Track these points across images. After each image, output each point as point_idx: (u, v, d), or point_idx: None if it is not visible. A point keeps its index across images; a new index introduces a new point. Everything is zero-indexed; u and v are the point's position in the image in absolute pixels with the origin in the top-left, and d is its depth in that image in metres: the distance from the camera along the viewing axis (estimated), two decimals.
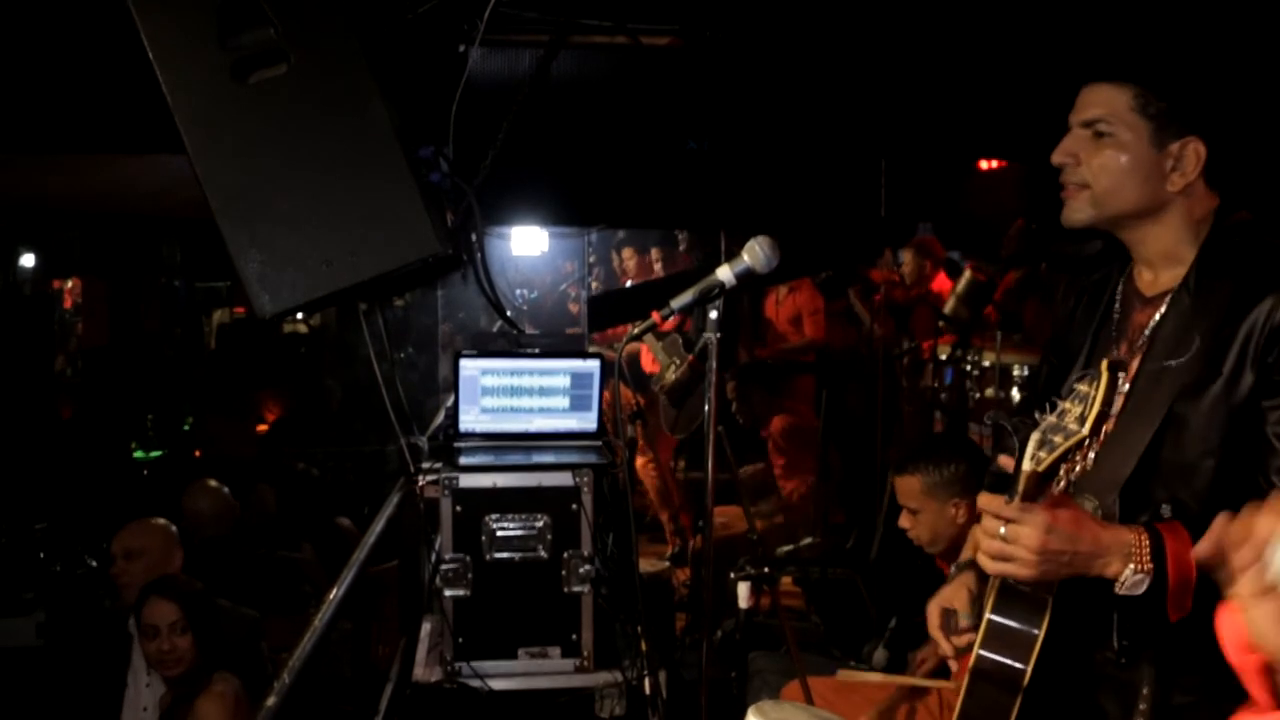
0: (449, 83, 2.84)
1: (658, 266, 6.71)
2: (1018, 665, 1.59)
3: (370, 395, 2.86)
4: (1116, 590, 1.52)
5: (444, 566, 2.77)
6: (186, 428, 7.73)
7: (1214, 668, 1.45)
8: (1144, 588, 1.50)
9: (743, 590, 3.34)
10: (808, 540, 5.13)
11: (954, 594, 1.80)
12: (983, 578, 1.74)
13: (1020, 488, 1.52)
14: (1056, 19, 3.21)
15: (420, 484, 2.94)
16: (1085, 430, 1.47)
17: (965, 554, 1.91)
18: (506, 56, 3.31)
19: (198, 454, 7.12)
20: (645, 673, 2.75)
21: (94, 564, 4.72)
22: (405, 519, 2.99)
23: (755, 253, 2.10)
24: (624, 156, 3.58)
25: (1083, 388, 1.50)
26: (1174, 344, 1.61)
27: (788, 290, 5.91)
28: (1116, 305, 1.75)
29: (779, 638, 3.25)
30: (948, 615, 1.79)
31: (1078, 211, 1.68)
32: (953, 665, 1.76)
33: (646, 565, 4.04)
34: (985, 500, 1.57)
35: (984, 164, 5.18)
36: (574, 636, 2.80)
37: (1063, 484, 1.52)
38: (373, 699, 3.01)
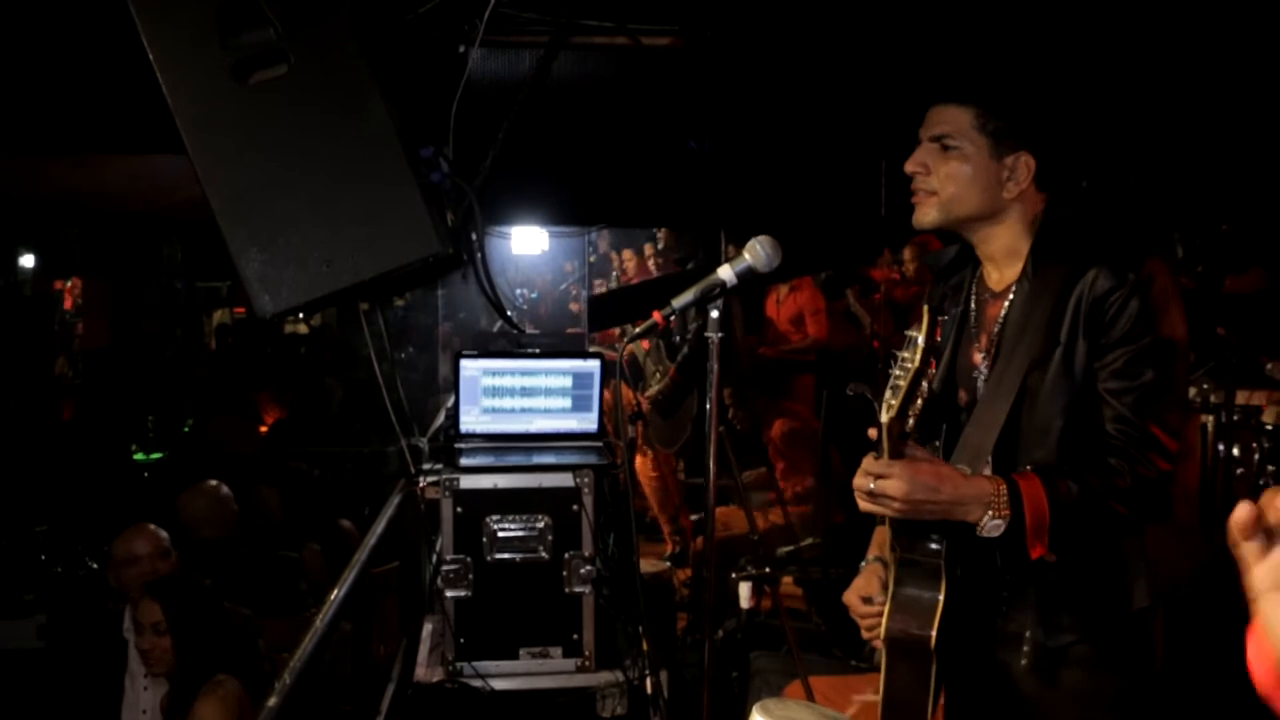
0: (449, 83, 2.84)
1: (631, 266, 6.69)
2: (924, 632, 1.74)
3: (371, 395, 2.86)
4: (978, 533, 1.70)
5: (445, 567, 2.77)
6: (187, 429, 7.73)
7: (1086, 608, 1.77)
8: (1001, 530, 1.69)
9: (744, 590, 3.35)
10: (808, 540, 5.12)
11: (866, 583, 1.96)
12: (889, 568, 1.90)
13: (885, 441, 1.68)
14: (1057, 16, 3.21)
15: (421, 485, 2.94)
16: (918, 361, 1.65)
17: (872, 551, 2.05)
18: (506, 57, 3.31)
19: (196, 455, 7.11)
20: (646, 672, 2.75)
21: (94, 566, 4.72)
22: (406, 520, 2.99)
23: (756, 252, 2.10)
24: (624, 156, 3.58)
25: (910, 333, 1.68)
26: (1021, 325, 1.82)
27: (789, 290, 5.91)
28: (972, 304, 1.97)
29: (780, 638, 3.24)
30: (865, 603, 1.94)
31: (927, 215, 1.91)
32: (877, 645, 1.87)
33: (647, 565, 4.04)
34: (865, 460, 1.74)
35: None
36: (575, 636, 2.80)
37: (912, 421, 1.69)
38: (374, 699, 3.01)
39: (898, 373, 1.68)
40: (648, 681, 2.75)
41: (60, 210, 7.68)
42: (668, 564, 4.90)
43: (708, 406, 2.15)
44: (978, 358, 1.92)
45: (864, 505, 1.75)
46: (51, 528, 5.17)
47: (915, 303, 5.92)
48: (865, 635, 1.93)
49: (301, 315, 7.50)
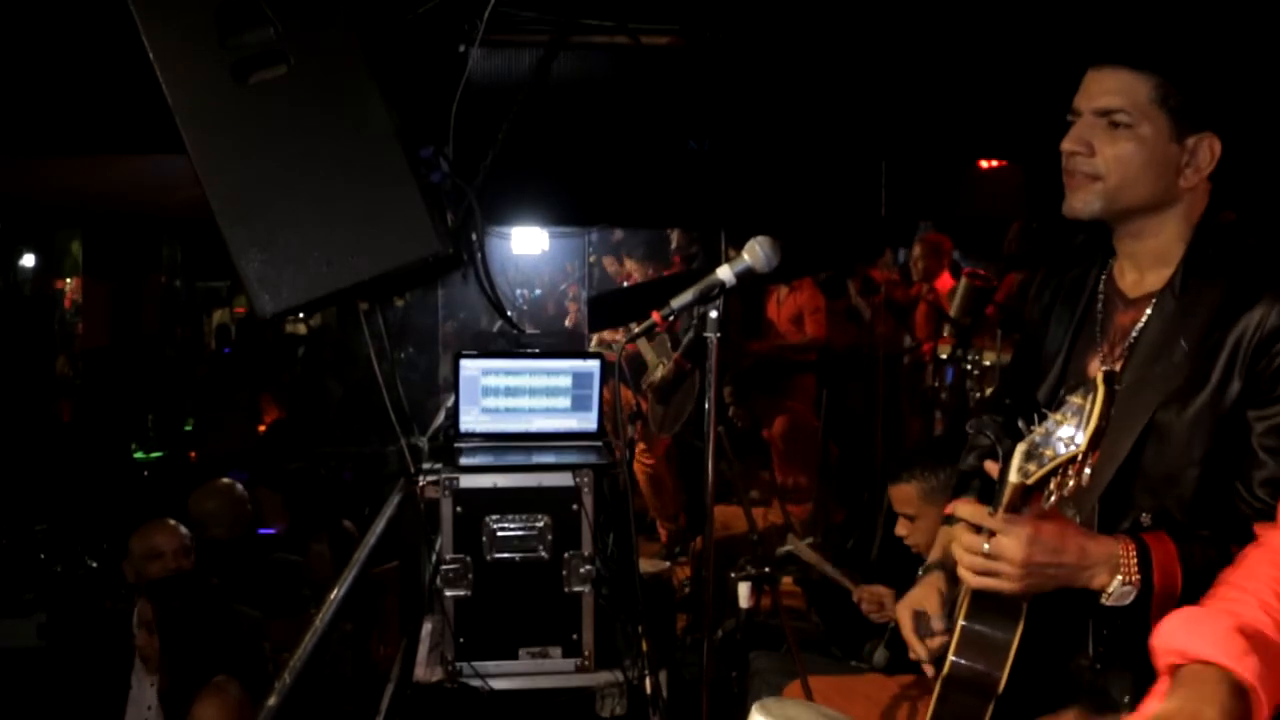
0: (449, 83, 2.85)
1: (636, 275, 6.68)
2: (992, 673, 1.55)
3: (370, 395, 2.87)
4: (1103, 601, 1.49)
5: (445, 567, 2.77)
6: (188, 428, 7.73)
7: None
8: (1131, 598, 1.47)
9: (743, 590, 3.34)
10: (808, 540, 5.12)
11: (924, 596, 1.76)
12: (953, 579, 1.70)
13: (1005, 499, 1.46)
14: (1057, 16, 3.21)
15: (421, 484, 2.94)
16: (1084, 445, 1.37)
17: (934, 555, 1.88)
18: (506, 56, 3.31)
19: (193, 455, 7.12)
20: (646, 672, 2.75)
21: (94, 565, 4.72)
22: (406, 520, 2.99)
23: (756, 252, 2.10)
24: (624, 156, 3.58)
25: (1076, 400, 1.40)
26: (1159, 349, 1.56)
27: (789, 290, 5.91)
28: (1098, 305, 1.69)
29: (779, 637, 3.24)
30: (919, 618, 1.75)
31: (1088, 204, 1.61)
32: (928, 670, 1.70)
33: (647, 565, 4.04)
34: (966, 510, 1.52)
35: (984, 164, 5.18)
36: (575, 636, 2.80)
37: (1053, 499, 1.43)
38: (374, 699, 3.01)
39: (1041, 433, 1.41)
40: (647, 681, 2.75)
41: (60, 210, 7.69)
42: (667, 564, 4.90)
43: (706, 406, 2.15)
44: (1096, 368, 1.66)
45: (972, 577, 1.50)
46: (51, 527, 5.17)
47: (915, 304, 5.95)
48: (922, 660, 1.72)
49: (302, 315, 7.50)
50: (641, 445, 5.70)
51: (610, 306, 5.44)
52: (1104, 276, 1.70)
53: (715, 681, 2.29)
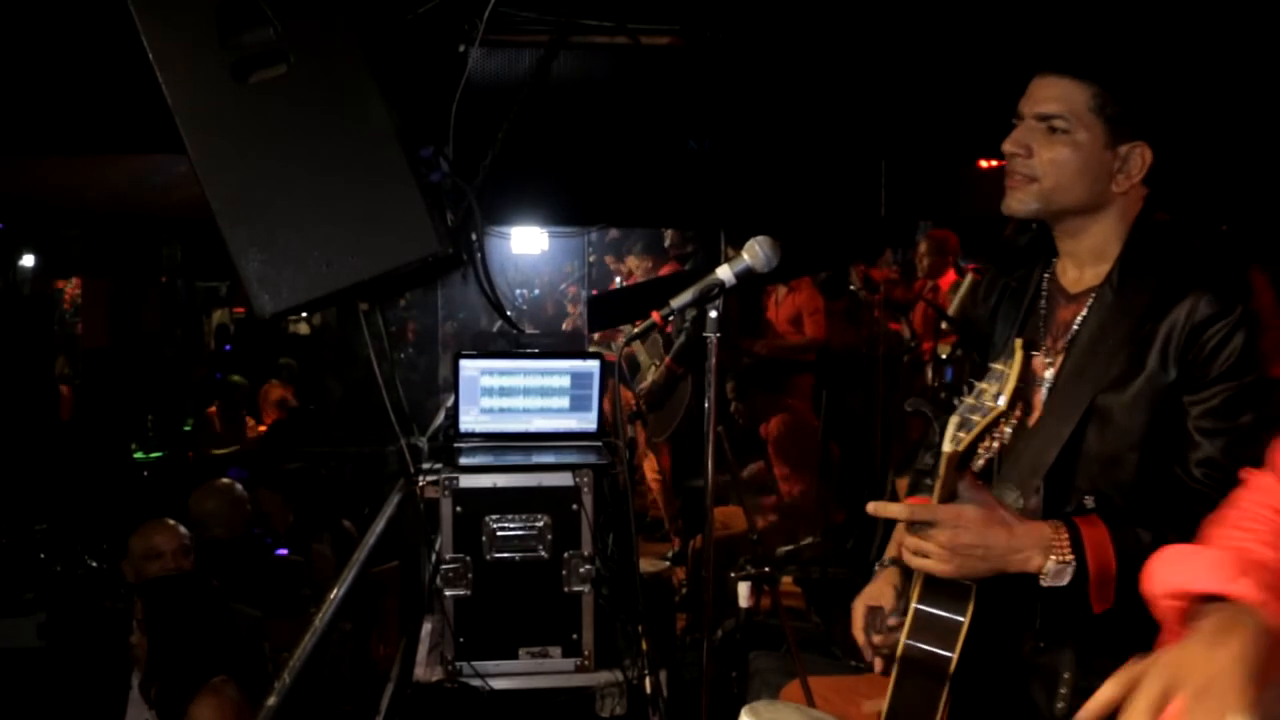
0: (449, 83, 2.85)
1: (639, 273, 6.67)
2: (944, 653, 1.62)
3: (370, 395, 2.87)
4: (1041, 583, 1.55)
5: (444, 567, 2.77)
6: (187, 428, 7.73)
7: (1129, 652, 1.52)
8: (1067, 578, 1.54)
9: (743, 590, 3.34)
10: (808, 540, 5.12)
11: (879, 591, 1.83)
12: (907, 574, 1.76)
13: (941, 470, 1.54)
14: (1056, 17, 3.21)
15: (420, 484, 2.94)
16: (1002, 404, 1.49)
17: (890, 551, 1.93)
18: (506, 56, 3.31)
19: (191, 455, 7.11)
20: (646, 672, 2.75)
21: (95, 565, 4.72)
22: (405, 519, 2.99)
23: (755, 252, 2.10)
24: (624, 156, 3.58)
25: (998, 367, 1.52)
26: (1097, 340, 1.65)
27: (787, 290, 5.91)
28: (1041, 301, 1.78)
29: (779, 637, 3.24)
30: (874, 613, 1.81)
31: (1024, 204, 1.71)
32: (876, 666, 1.77)
33: (646, 565, 4.04)
34: (903, 508, 1.61)
35: (984, 164, 5.18)
36: (574, 636, 2.80)
37: (981, 462, 1.56)
38: (373, 699, 3.01)
39: (970, 402, 1.52)
40: (647, 681, 2.75)
41: (60, 210, 7.68)
42: (667, 563, 4.90)
43: (706, 406, 2.15)
44: (1041, 363, 1.75)
45: (913, 562, 1.61)
46: (51, 526, 5.17)
47: (915, 303, 5.94)
48: (867, 657, 1.81)
49: (304, 315, 7.50)
50: (649, 457, 5.70)
51: (610, 306, 5.44)
52: (1047, 275, 1.80)
53: (715, 681, 2.29)
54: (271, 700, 2.48)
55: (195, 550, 3.70)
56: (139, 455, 7.24)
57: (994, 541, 1.54)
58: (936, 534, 1.55)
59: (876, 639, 1.79)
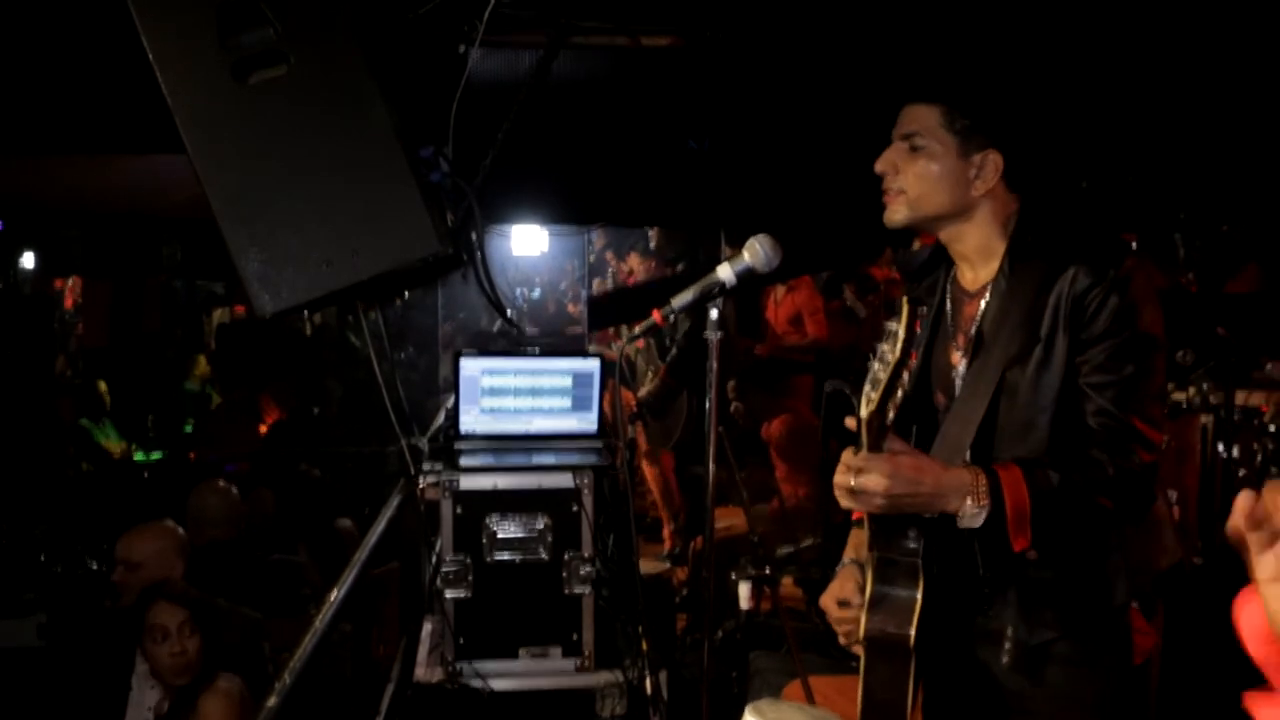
0: (449, 83, 2.84)
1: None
2: (902, 630, 1.75)
3: (370, 395, 2.86)
4: (958, 524, 1.71)
5: (445, 568, 2.77)
6: (188, 429, 7.73)
7: (1068, 606, 1.75)
8: (981, 520, 1.69)
9: (744, 590, 3.35)
10: (808, 541, 5.12)
11: (841, 587, 1.96)
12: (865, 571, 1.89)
13: (864, 435, 1.67)
14: (1055, 16, 3.21)
15: (421, 485, 2.94)
16: (898, 353, 1.62)
17: (848, 554, 2.05)
18: (506, 57, 3.31)
19: (193, 456, 7.11)
20: (646, 673, 2.75)
21: (95, 565, 4.72)
22: (406, 520, 2.99)
23: (756, 251, 2.10)
24: (624, 156, 3.58)
25: (890, 324, 1.65)
26: (999, 322, 1.83)
27: (786, 290, 5.91)
28: (947, 304, 1.97)
29: (780, 638, 3.24)
30: (843, 606, 1.93)
31: (896, 213, 1.92)
32: (857, 649, 1.86)
33: (647, 565, 4.04)
34: (844, 454, 1.74)
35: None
36: (575, 637, 2.80)
37: (893, 414, 1.67)
38: (374, 699, 3.01)
39: (877, 366, 1.67)
40: (647, 681, 2.75)
41: (60, 210, 7.68)
42: (667, 564, 4.90)
43: (707, 405, 2.15)
44: (955, 357, 1.93)
45: (845, 502, 1.75)
46: (51, 527, 5.17)
47: None
48: (842, 641, 1.92)
49: (306, 314, 7.48)
50: (648, 459, 5.70)
51: (610, 306, 5.44)
52: (949, 281, 1.99)
53: (715, 681, 2.29)
54: (272, 700, 2.47)
55: (191, 552, 3.69)
56: (139, 456, 7.24)
57: (924, 489, 1.68)
58: (870, 483, 1.67)
59: (845, 625, 1.91)
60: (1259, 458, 4.14)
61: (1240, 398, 4.15)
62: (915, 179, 1.89)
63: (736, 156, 3.64)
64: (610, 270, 7.57)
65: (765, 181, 3.75)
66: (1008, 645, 1.81)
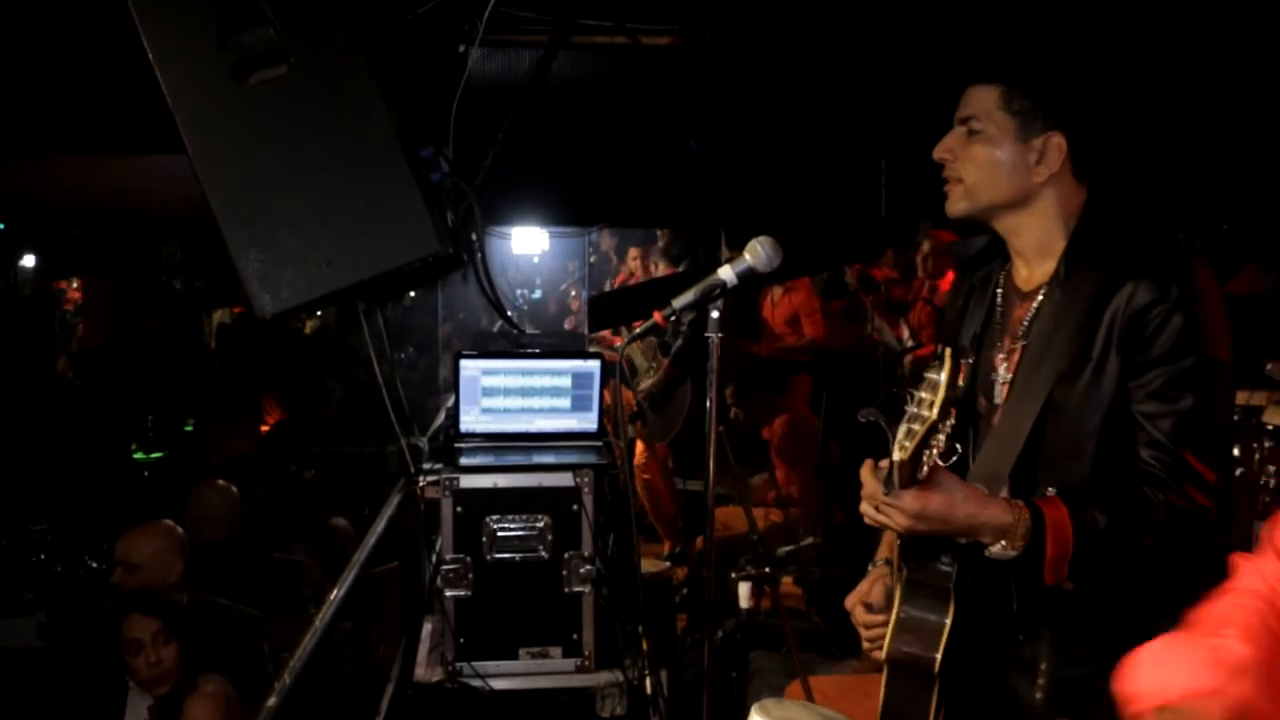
0: (449, 83, 2.84)
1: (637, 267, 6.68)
2: (929, 655, 1.67)
3: (371, 396, 2.87)
4: (986, 554, 1.63)
5: (445, 567, 2.77)
6: (188, 429, 7.73)
7: (1107, 640, 1.61)
8: (1011, 556, 1.61)
9: (744, 590, 3.35)
10: (808, 540, 5.12)
11: (870, 588, 1.91)
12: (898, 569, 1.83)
13: (895, 477, 1.60)
14: (1054, 17, 3.21)
15: (421, 485, 2.94)
16: (934, 414, 1.52)
17: (881, 553, 2.00)
18: (506, 56, 3.31)
19: (197, 456, 7.11)
20: (646, 672, 2.75)
21: (94, 565, 4.72)
22: (406, 520, 2.99)
23: (757, 252, 2.10)
24: (624, 156, 3.58)
25: (931, 375, 1.54)
26: (1049, 335, 1.71)
27: (783, 291, 5.90)
28: (998, 302, 1.86)
29: (780, 637, 3.25)
30: (869, 609, 1.89)
31: (955, 203, 1.81)
32: (877, 656, 1.81)
33: (647, 565, 4.04)
34: (867, 485, 1.67)
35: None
36: (575, 636, 2.80)
37: (925, 470, 1.59)
38: (374, 699, 3.01)
39: (913, 411, 1.56)
40: (647, 681, 2.75)
41: (60, 210, 7.68)
42: (667, 563, 4.90)
43: (708, 406, 2.15)
44: (998, 359, 1.82)
45: (870, 520, 1.69)
46: (51, 527, 5.17)
47: (914, 304, 5.94)
48: (866, 647, 1.87)
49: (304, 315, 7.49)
50: (641, 458, 5.69)
51: (610, 306, 5.44)
52: (1004, 275, 1.87)
53: (715, 681, 2.29)
54: (271, 700, 2.47)
55: (191, 550, 3.69)
56: (139, 456, 7.24)
57: (956, 525, 1.61)
58: (896, 518, 1.61)
59: (871, 632, 1.86)
60: (1258, 457, 4.14)
61: (1241, 398, 4.15)
62: (972, 165, 1.78)
63: (736, 156, 3.64)
64: (612, 274, 7.58)
65: (765, 181, 3.75)
66: (1041, 680, 1.71)
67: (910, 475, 1.60)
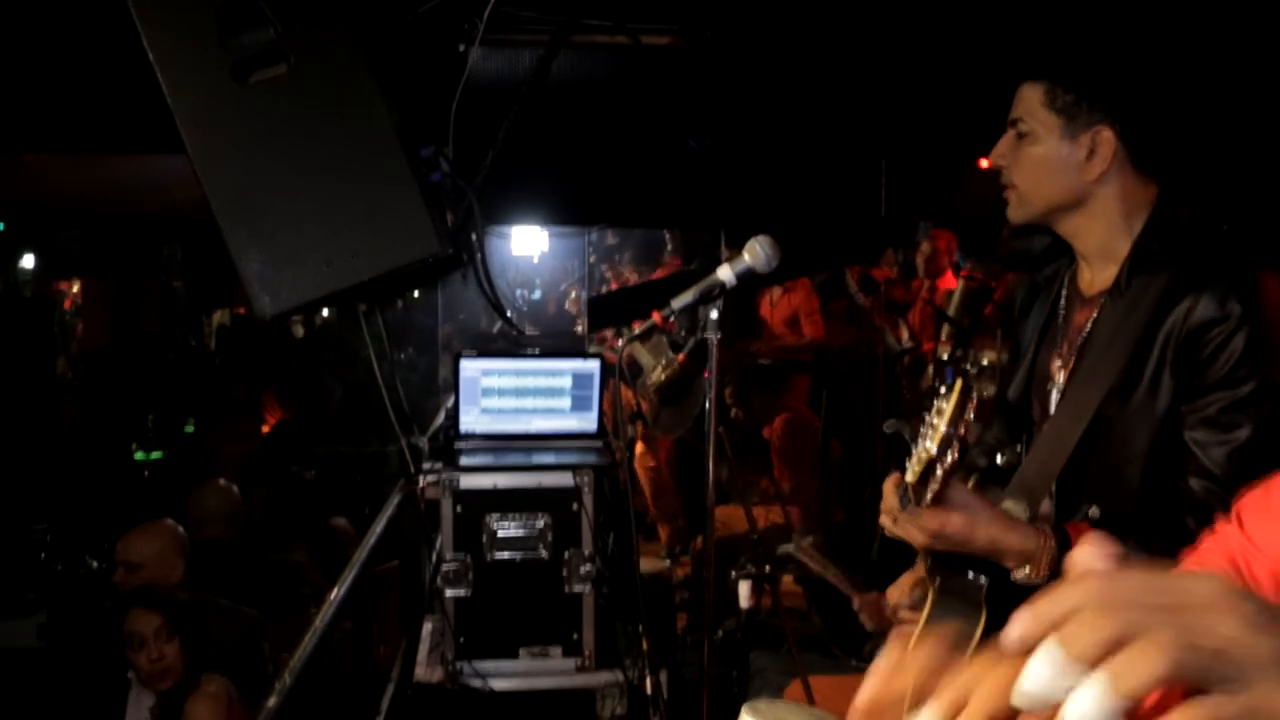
0: (449, 83, 2.84)
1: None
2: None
3: (371, 396, 2.87)
4: (1011, 579, 1.54)
5: (445, 567, 2.77)
6: (188, 429, 7.72)
7: None
8: (1034, 583, 1.51)
9: (744, 590, 3.34)
10: (808, 539, 5.11)
11: (910, 581, 1.83)
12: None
13: (911, 494, 1.50)
14: (1055, 17, 3.21)
15: (421, 484, 2.94)
16: (933, 449, 1.42)
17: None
18: (506, 56, 3.31)
19: (198, 456, 7.11)
20: (646, 672, 2.75)
21: (95, 565, 4.72)
22: (406, 519, 2.99)
23: (756, 252, 2.10)
24: (624, 156, 3.58)
25: (940, 403, 1.43)
26: (1105, 346, 1.61)
27: (782, 291, 5.90)
28: (1061, 305, 1.76)
29: (780, 637, 3.24)
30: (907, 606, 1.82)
31: (1013, 210, 1.71)
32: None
33: (647, 565, 4.04)
34: (887, 499, 1.56)
35: (984, 164, 5.18)
36: (575, 636, 2.80)
37: (934, 490, 1.47)
38: (374, 699, 3.01)
39: (926, 431, 1.47)
40: (648, 681, 2.75)
41: (60, 210, 7.69)
42: (667, 563, 4.90)
43: (707, 406, 2.15)
44: (1055, 367, 1.72)
45: (890, 533, 1.59)
46: (52, 527, 5.17)
47: (914, 304, 5.94)
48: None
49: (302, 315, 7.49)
50: (642, 447, 5.69)
51: (610, 307, 5.44)
52: (1069, 277, 1.76)
53: (715, 681, 2.29)
54: (272, 700, 2.47)
55: (192, 550, 3.69)
56: (140, 456, 7.24)
57: (977, 547, 1.52)
58: (914, 535, 1.52)
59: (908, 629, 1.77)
60: None
61: None
62: (1021, 169, 1.67)
63: (736, 156, 3.64)
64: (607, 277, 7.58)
65: (765, 181, 3.75)
66: None
67: (922, 493, 1.51)
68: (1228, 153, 3.20)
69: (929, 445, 1.44)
